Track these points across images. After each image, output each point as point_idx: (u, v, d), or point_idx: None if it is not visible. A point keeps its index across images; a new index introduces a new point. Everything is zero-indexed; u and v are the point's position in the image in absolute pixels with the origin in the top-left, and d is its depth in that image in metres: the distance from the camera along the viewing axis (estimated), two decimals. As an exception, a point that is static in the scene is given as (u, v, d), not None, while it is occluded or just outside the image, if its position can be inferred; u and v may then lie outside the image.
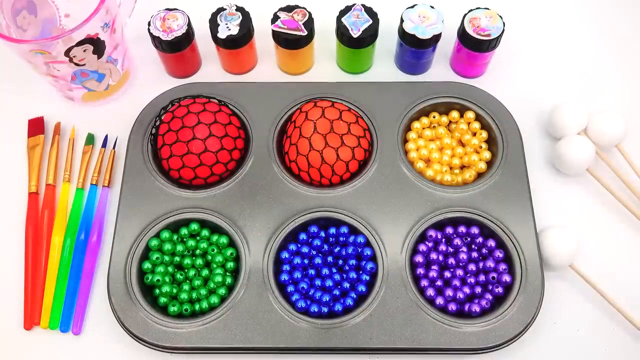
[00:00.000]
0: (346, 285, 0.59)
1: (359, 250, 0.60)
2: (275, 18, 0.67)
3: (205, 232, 0.61)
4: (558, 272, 0.62)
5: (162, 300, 0.59)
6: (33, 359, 0.59)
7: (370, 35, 0.66)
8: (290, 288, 0.59)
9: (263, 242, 0.60)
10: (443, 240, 0.61)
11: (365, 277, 0.59)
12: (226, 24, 0.66)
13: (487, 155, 0.65)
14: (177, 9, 0.67)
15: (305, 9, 0.67)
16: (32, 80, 0.70)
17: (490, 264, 0.60)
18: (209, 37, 0.67)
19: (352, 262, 0.60)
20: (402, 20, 0.66)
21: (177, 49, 0.68)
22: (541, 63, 0.74)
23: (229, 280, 0.60)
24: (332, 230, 0.61)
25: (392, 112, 0.66)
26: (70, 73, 0.64)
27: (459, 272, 0.60)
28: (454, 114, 0.67)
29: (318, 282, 0.59)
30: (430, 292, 0.59)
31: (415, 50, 0.68)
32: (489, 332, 0.56)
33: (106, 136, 0.68)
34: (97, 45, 0.62)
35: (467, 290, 0.59)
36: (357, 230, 0.61)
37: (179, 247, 0.60)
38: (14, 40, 0.59)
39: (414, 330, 0.56)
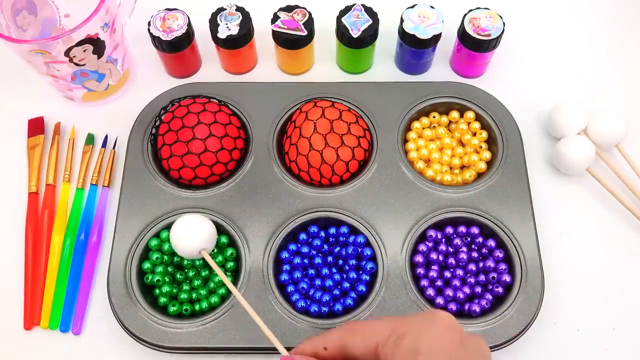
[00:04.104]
0: (346, 285, 0.59)
1: (359, 250, 0.60)
2: (275, 18, 0.67)
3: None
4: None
5: (162, 300, 0.59)
6: (33, 359, 0.59)
7: (370, 35, 0.66)
8: (290, 288, 0.59)
9: (263, 242, 0.60)
10: (443, 240, 0.61)
11: (365, 277, 0.59)
12: (226, 24, 0.66)
13: (487, 155, 0.65)
14: (177, 9, 0.67)
15: (305, 9, 0.67)
16: (32, 80, 0.70)
17: (490, 264, 0.60)
18: (209, 37, 0.67)
19: (352, 262, 0.60)
20: (402, 20, 0.66)
21: (177, 49, 0.68)
22: (541, 63, 0.74)
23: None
24: (332, 230, 0.61)
25: (392, 112, 0.66)
26: (70, 73, 0.64)
27: (459, 272, 0.60)
28: (454, 114, 0.67)
29: (318, 282, 0.59)
30: (430, 292, 0.59)
31: (415, 50, 0.68)
32: (489, 332, 0.56)
33: (106, 136, 0.68)
34: (97, 45, 0.62)
35: (467, 290, 0.59)
36: (357, 230, 0.61)
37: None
38: (14, 40, 0.59)
39: (414, 330, 0.56)
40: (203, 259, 0.55)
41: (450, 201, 0.62)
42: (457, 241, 0.61)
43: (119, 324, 0.57)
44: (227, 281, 0.52)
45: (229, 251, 0.60)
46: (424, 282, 0.59)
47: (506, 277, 0.59)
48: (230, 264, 0.60)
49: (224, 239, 0.61)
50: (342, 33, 0.66)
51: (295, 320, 0.57)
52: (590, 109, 0.67)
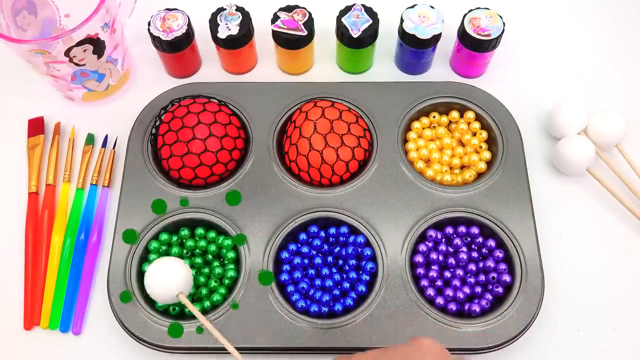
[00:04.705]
0: (346, 285, 0.59)
1: (359, 250, 0.60)
2: (275, 18, 0.67)
3: (204, 232, 0.61)
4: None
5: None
6: (33, 359, 0.59)
7: (370, 35, 0.66)
8: (290, 288, 0.59)
9: (263, 242, 0.60)
10: (443, 240, 0.61)
11: (365, 277, 0.59)
12: (226, 24, 0.66)
13: (487, 155, 0.65)
14: (177, 9, 0.67)
15: (305, 9, 0.67)
16: (32, 80, 0.70)
17: (490, 264, 0.60)
18: (209, 37, 0.67)
19: (352, 262, 0.60)
20: (402, 20, 0.66)
21: (177, 49, 0.68)
22: (541, 63, 0.74)
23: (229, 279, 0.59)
24: (332, 230, 0.61)
25: (392, 112, 0.66)
26: (70, 73, 0.64)
27: (459, 272, 0.60)
28: (454, 114, 0.67)
29: (318, 282, 0.59)
30: (430, 292, 0.59)
31: (415, 50, 0.68)
32: (489, 332, 0.56)
33: (106, 136, 0.68)
34: (97, 45, 0.62)
35: (467, 290, 0.59)
36: (357, 230, 0.61)
37: (176, 249, 0.60)
38: (14, 40, 0.59)
39: (414, 330, 0.56)
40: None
41: (450, 201, 0.62)
42: (457, 241, 0.61)
43: (119, 324, 0.57)
44: (204, 320, 0.49)
45: (230, 252, 0.60)
46: (424, 282, 0.59)
47: (506, 277, 0.59)
48: (231, 266, 0.60)
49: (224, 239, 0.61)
50: (342, 33, 0.66)
51: (295, 320, 0.57)
52: (590, 109, 0.67)
